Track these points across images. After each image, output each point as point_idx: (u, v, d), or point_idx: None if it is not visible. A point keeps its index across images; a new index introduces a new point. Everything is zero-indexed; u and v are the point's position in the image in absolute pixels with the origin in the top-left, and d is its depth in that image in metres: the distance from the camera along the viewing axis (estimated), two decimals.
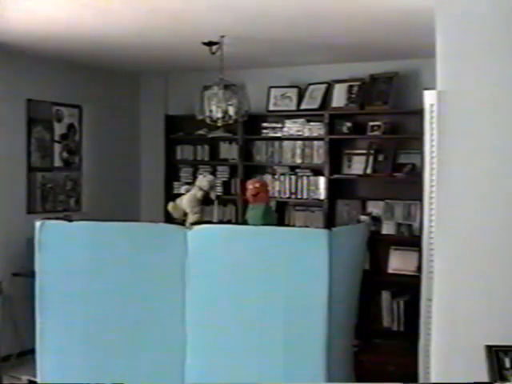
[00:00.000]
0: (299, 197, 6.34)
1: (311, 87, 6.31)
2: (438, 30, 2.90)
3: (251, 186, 5.39)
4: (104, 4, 4.08)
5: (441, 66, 2.87)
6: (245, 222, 5.46)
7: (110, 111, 6.82)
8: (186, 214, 5.50)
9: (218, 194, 6.29)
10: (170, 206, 5.61)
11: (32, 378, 4.85)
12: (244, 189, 5.70)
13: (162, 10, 4.25)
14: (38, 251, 3.74)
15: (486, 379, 2.39)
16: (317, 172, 6.24)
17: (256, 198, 5.33)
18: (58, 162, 6.32)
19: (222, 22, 4.56)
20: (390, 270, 5.92)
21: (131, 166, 7.18)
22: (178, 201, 5.61)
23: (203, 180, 5.69)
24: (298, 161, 6.37)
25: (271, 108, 6.47)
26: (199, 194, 5.51)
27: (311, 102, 6.27)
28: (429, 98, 3.10)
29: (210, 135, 6.68)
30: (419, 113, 3.47)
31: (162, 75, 7.07)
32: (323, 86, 6.24)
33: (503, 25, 2.75)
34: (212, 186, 5.71)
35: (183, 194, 5.63)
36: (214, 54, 5.12)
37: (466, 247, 2.83)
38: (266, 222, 5.08)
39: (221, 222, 6.70)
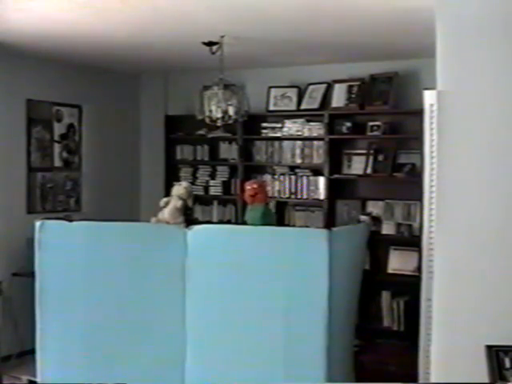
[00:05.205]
0: (299, 197, 6.34)
1: (311, 87, 6.31)
2: (438, 30, 2.90)
3: (249, 186, 5.39)
4: (104, 4, 4.08)
5: (441, 66, 2.87)
6: (244, 224, 5.46)
7: (110, 111, 6.82)
8: None
9: (219, 194, 6.26)
10: (153, 220, 5.56)
11: (32, 378, 4.85)
12: (242, 190, 5.69)
13: (162, 10, 4.25)
14: (37, 251, 3.73)
15: (486, 379, 2.39)
16: (316, 172, 6.24)
17: (254, 199, 5.32)
18: (57, 162, 6.32)
19: (222, 22, 4.56)
20: (390, 270, 5.92)
21: (131, 166, 7.17)
22: (160, 215, 5.57)
23: (180, 188, 5.66)
24: (298, 161, 6.37)
25: (271, 108, 6.47)
26: (179, 203, 5.50)
27: (311, 102, 6.27)
28: (429, 97, 3.10)
29: (210, 135, 6.68)
30: (419, 113, 3.47)
31: (162, 75, 7.07)
32: (323, 86, 6.24)
33: (503, 25, 2.75)
34: (190, 193, 5.67)
35: (164, 207, 5.61)
36: (214, 53, 5.12)
37: (465, 247, 2.84)
38: (265, 223, 5.07)
39: (221, 221, 6.71)
